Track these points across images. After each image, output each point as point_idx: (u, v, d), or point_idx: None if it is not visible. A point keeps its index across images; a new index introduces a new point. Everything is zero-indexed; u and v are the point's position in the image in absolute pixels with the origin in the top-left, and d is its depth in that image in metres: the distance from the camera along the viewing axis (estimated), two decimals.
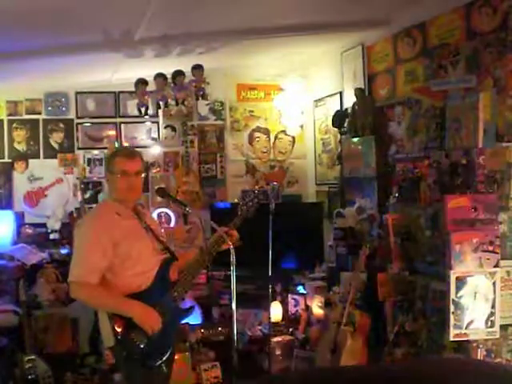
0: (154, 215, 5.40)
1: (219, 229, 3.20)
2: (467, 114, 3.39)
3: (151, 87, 5.72)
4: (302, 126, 6.62)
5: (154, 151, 5.95)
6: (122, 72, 5.76)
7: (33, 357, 4.34)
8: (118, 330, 2.92)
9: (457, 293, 3.16)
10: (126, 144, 6.30)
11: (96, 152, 6.36)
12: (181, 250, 4.18)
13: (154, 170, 5.87)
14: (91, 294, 3.01)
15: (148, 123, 6.40)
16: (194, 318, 4.91)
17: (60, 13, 3.85)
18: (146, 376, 3.01)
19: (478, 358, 3.19)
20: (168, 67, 5.58)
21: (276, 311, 5.02)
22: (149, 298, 3.01)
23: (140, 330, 2.94)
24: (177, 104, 5.79)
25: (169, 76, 5.67)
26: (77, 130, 6.42)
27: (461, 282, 3.16)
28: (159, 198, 4.38)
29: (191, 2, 4.03)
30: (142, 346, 2.94)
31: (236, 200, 6.00)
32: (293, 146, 6.67)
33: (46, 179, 6.28)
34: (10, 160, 6.26)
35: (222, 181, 6.47)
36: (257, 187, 4.56)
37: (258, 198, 3.39)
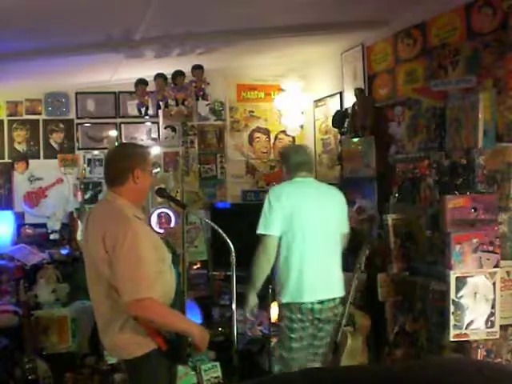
0: (154, 215, 5.40)
1: None
2: (467, 114, 3.38)
3: (151, 87, 5.71)
4: (302, 127, 6.61)
5: (154, 151, 5.95)
6: (122, 72, 5.77)
7: (33, 357, 4.34)
8: (162, 340, 2.78)
9: (457, 293, 3.16)
10: None
11: (96, 152, 6.37)
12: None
13: (154, 171, 5.86)
14: (162, 310, 2.76)
15: (148, 123, 6.40)
16: (194, 319, 4.90)
17: (60, 13, 3.85)
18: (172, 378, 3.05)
19: (478, 358, 3.19)
20: (168, 67, 5.58)
21: (276, 311, 5.00)
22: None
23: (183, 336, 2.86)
24: (177, 104, 5.78)
25: (169, 76, 5.67)
26: (77, 130, 6.43)
27: (461, 282, 3.16)
28: (159, 198, 4.38)
29: (191, 2, 4.04)
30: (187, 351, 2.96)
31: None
32: None
33: (46, 179, 6.29)
34: (10, 160, 6.27)
35: (221, 181, 6.47)
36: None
37: None
